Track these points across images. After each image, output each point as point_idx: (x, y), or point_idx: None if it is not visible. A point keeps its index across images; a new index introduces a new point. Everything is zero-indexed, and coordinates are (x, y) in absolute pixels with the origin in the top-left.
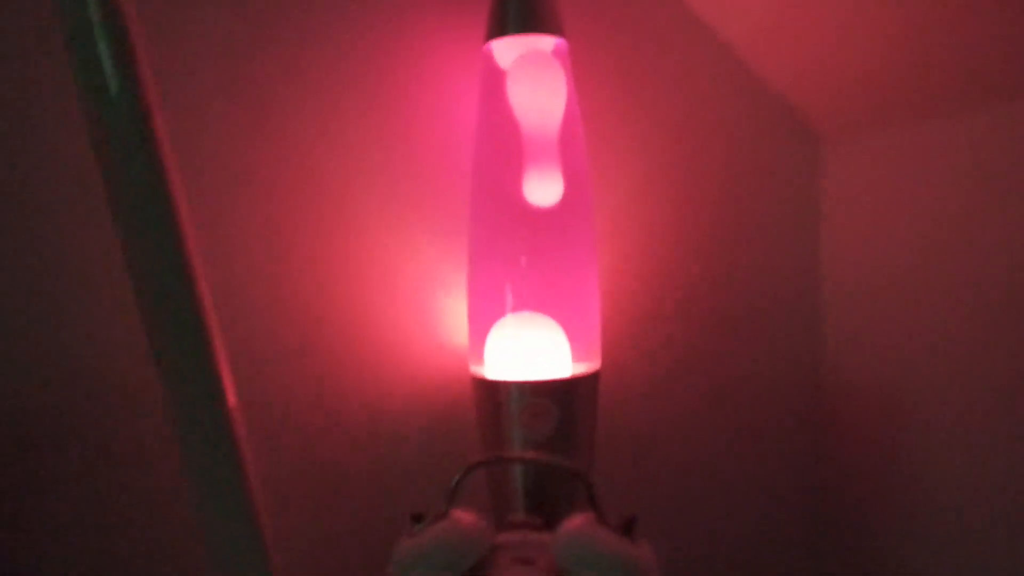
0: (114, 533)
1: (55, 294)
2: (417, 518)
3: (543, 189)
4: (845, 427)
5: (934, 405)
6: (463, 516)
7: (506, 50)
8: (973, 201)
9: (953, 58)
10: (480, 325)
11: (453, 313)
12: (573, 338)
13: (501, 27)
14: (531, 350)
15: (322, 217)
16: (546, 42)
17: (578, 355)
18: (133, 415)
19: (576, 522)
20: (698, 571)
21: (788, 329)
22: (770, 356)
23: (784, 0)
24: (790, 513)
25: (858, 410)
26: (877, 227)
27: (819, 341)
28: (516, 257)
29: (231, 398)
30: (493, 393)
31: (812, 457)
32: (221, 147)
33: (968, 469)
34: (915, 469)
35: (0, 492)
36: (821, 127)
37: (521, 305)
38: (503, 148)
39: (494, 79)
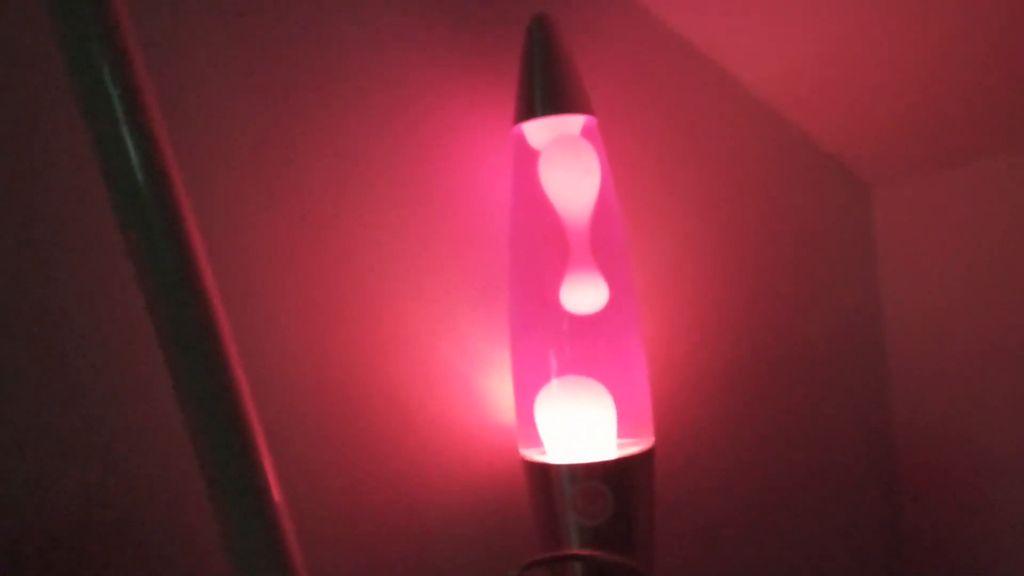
0: None
1: (104, 397)
2: None
3: (584, 297)
4: (920, 481)
5: (1012, 445)
6: None
7: (536, 132)
8: None
9: (998, 98)
10: (525, 398)
11: (498, 390)
12: (623, 410)
13: (530, 109)
14: (579, 420)
15: (359, 297)
16: (575, 121)
17: (630, 430)
18: (188, 519)
19: None
20: None
21: (851, 382)
22: (834, 414)
23: (821, 49)
24: None
25: (933, 462)
26: (934, 269)
27: (885, 392)
28: (559, 324)
29: (276, 494)
30: (543, 477)
31: (889, 519)
32: (257, 228)
33: None
34: (1000, 516)
35: None
36: (869, 173)
37: (567, 370)
38: (539, 239)
39: (526, 160)
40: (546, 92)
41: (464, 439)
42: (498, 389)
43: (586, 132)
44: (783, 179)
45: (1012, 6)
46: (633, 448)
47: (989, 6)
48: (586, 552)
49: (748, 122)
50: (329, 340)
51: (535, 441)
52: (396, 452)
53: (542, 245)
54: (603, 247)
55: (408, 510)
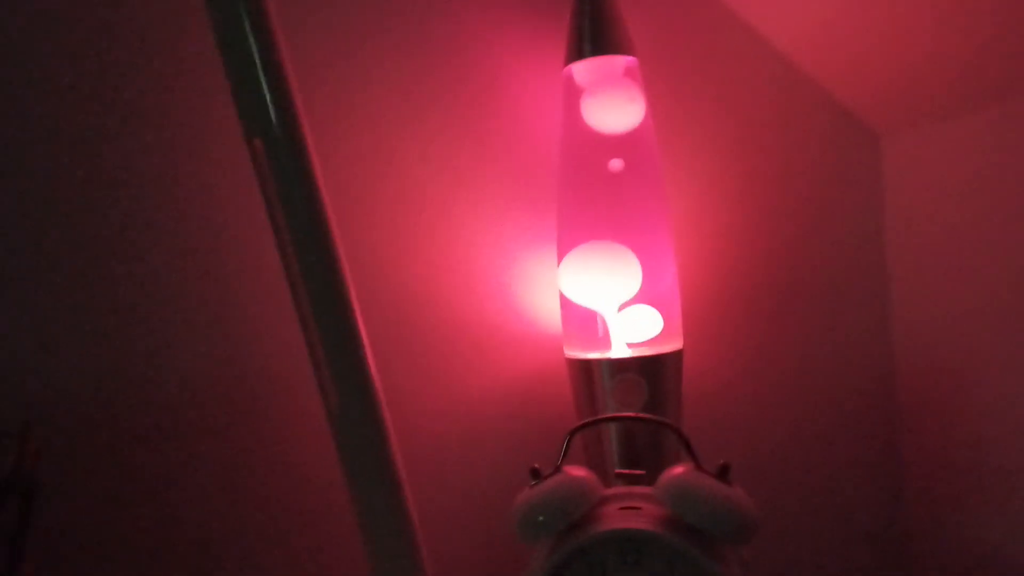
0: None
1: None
2: (535, 473)
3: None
4: (916, 407)
5: (1001, 381)
6: (575, 470)
7: (584, 71)
8: None
9: (1004, 45)
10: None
11: (546, 302)
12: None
13: (579, 51)
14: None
15: (426, 223)
16: (619, 62)
17: (665, 333)
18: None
19: (678, 471)
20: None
21: (854, 308)
22: (840, 342)
23: (839, 4)
24: (866, 492)
25: (928, 392)
26: (937, 215)
27: (888, 327)
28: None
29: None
30: (586, 372)
31: (887, 438)
32: (344, 151)
33: None
34: (983, 442)
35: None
36: (877, 123)
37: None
38: (585, 168)
39: (574, 96)
40: (595, 33)
41: (512, 343)
42: (548, 301)
43: (628, 72)
44: (797, 128)
45: None
46: (665, 348)
47: None
48: (632, 415)
49: (769, 73)
50: (409, 258)
51: (578, 342)
52: (453, 352)
53: (589, 174)
54: (640, 179)
55: (466, 403)
